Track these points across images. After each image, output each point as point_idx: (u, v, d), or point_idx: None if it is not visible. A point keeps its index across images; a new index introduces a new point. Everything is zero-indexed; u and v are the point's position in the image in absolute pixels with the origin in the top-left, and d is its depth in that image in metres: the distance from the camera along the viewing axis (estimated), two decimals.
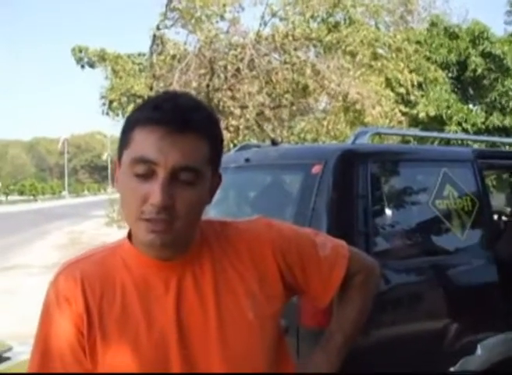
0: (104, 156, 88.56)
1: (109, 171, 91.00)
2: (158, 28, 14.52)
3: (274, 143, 4.51)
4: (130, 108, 14.33)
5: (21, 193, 72.68)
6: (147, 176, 1.30)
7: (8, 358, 2.82)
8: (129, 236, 1.46)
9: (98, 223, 27.21)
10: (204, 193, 1.38)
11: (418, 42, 18.06)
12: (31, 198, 70.79)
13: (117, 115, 15.46)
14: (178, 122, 1.29)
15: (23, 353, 2.86)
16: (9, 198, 70.10)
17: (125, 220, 1.39)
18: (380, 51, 15.74)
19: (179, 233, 1.34)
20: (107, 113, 15.40)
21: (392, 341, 3.28)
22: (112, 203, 26.42)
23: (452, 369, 3.45)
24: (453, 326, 3.51)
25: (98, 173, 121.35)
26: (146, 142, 1.30)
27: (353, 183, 3.33)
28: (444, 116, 16.75)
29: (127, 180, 1.34)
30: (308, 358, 1.67)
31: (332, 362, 1.63)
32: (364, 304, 1.69)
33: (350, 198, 3.33)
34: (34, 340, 1.44)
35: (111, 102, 14.94)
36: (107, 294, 1.40)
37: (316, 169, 3.30)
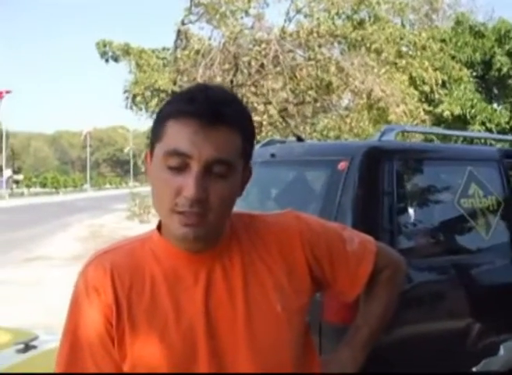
0: (127, 150, 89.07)
1: (131, 165, 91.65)
2: (182, 23, 14.53)
3: (299, 139, 4.50)
4: (154, 102, 14.40)
5: (43, 185, 73.42)
6: (181, 169, 1.31)
7: (34, 347, 2.85)
8: (159, 227, 1.47)
9: (119, 217, 27.34)
10: (236, 186, 1.38)
11: (443, 40, 17.90)
12: (53, 190, 71.43)
13: (140, 109, 15.52)
14: (211, 115, 1.29)
15: (49, 342, 2.89)
16: (31, 190, 70.75)
17: (157, 212, 1.39)
18: (404, 49, 15.64)
19: (212, 225, 1.34)
20: (130, 107, 15.46)
21: (415, 339, 3.27)
22: (133, 197, 26.54)
23: (474, 369, 3.44)
24: (476, 327, 3.50)
25: (120, 166, 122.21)
26: (179, 135, 1.31)
27: (379, 180, 3.32)
28: (468, 116, 16.60)
29: (160, 173, 1.34)
30: (333, 353, 1.67)
31: (357, 358, 1.64)
32: (390, 299, 1.69)
33: (375, 195, 3.33)
34: (63, 329, 1.44)
35: (134, 96, 14.98)
36: (136, 285, 1.41)
37: (342, 165, 3.30)
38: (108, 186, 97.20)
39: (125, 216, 26.23)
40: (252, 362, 1.40)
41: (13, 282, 11.18)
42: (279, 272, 1.46)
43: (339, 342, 1.70)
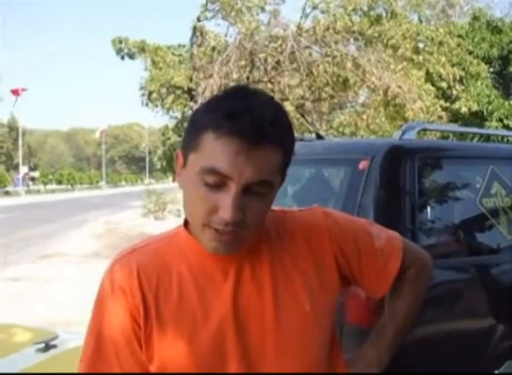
0: (143, 147, 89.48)
1: (147, 162, 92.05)
2: (198, 20, 14.47)
3: (319, 136, 4.45)
4: (170, 99, 14.40)
5: (59, 182, 73.89)
6: (218, 186, 1.26)
7: (54, 346, 2.84)
8: (185, 224, 1.45)
9: (135, 214, 27.42)
10: (273, 200, 1.36)
11: (460, 36, 17.77)
12: (69, 187, 71.85)
13: (156, 106, 15.52)
14: (254, 136, 1.23)
15: (69, 341, 2.88)
16: (47, 187, 71.21)
17: (188, 219, 1.38)
18: (421, 45, 15.53)
19: (244, 241, 1.33)
20: (146, 104, 15.46)
21: (435, 340, 3.23)
22: (149, 194, 26.59)
23: (497, 371, 3.40)
24: (499, 328, 3.46)
25: (136, 163, 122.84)
26: (219, 153, 1.24)
27: (401, 180, 3.28)
28: (485, 112, 16.46)
29: (196, 187, 1.29)
30: (358, 353, 1.66)
31: (382, 357, 1.63)
32: (416, 298, 1.67)
33: (397, 195, 3.29)
34: (88, 329, 1.44)
35: (150, 93, 14.97)
36: (163, 283, 1.39)
37: (363, 164, 3.26)
38: (123, 183, 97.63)
39: (140, 213, 26.28)
40: (280, 361, 1.39)
41: (30, 278, 11.28)
42: (308, 269, 1.45)
43: (362, 344, 1.68)
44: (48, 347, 2.84)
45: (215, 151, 1.25)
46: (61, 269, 12.42)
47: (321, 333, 1.45)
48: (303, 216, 1.53)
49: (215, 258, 1.39)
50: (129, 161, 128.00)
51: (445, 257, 3.39)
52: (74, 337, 2.94)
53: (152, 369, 1.38)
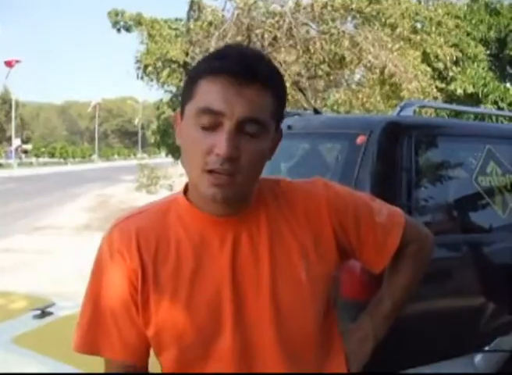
0: (137, 121, 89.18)
1: (140, 136, 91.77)
2: None
3: (316, 111, 4.44)
4: (165, 73, 14.34)
5: (52, 155, 73.54)
6: (213, 128, 1.29)
7: (50, 313, 2.86)
8: (185, 191, 1.46)
9: (128, 188, 27.41)
10: (267, 148, 1.36)
11: (458, 17, 17.70)
12: (62, 160, 71.60)
13: (151, 80, 15.44)
14: (244, 71, 1.27)
15: (65, 308, 2.90)
16: (40, 160, 70.93)
17: (186, 173, 1.37)
18: (419, 25, 15.45)
19: (241, 187, 1.32)
20: (141, 78, 15.39)
21: (427, 317, 3.24)
22: (141, 168, 26.56)
23: (487, 348, 3.43)
24: (489, 306, 3.49)
25: (129, 138, 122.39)
26: (212, 92, 1.28)
27: (398, 155, 3.28)
28: (480, 94, 16.43)
29: (192, 132, 1.32)
30: (355, 324, 1.67)
31: (378, 330, 1.64)
32: (415, 274, 1.67)
33: (393, 171, 3.29)
34: (85, 294, 1.44)
35: (146, 67, 14.89)
36: (161, 248, 1.40)
37: (361, 139, 3.25)
38: (115, 157, 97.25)
39: (133, 187, 26.28)
40: (275, 327, 1.40)
41: (22, 250, 11.28)
42: (305, 238, 1.45)
43: (356, 317, 1.69)
44: (44, 314, 2.85)
45: (208, 91, 1.29)
46: (54, 241, 12.43)
47: (317, 303, 1.45)
48: (303, 186, 1.53)
49: (213, 223, 1.40)
50: (122, 135, 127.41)
51: (439, 234, 3.39)
52: (70, 305, 2.96)
53: (149, 333, 1.39)
